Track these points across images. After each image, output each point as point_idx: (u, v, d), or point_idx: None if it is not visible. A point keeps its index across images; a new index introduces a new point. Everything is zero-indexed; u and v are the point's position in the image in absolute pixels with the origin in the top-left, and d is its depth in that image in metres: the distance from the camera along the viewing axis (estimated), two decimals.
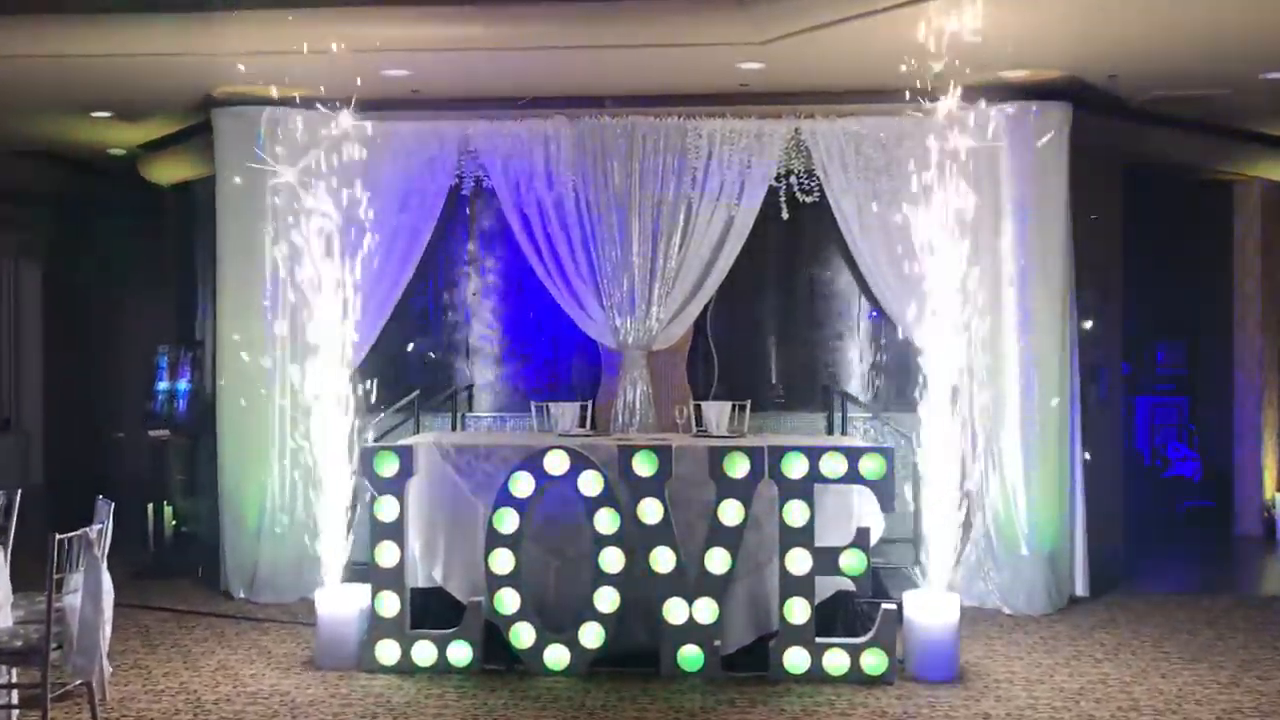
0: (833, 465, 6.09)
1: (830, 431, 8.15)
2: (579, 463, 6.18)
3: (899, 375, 8.22)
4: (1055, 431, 7.63)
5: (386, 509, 6.28)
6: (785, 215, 7.96)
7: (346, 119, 6.92)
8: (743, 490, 6.10)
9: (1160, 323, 10.81)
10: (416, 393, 8.10)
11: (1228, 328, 10.45)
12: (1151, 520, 9.37)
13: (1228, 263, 10.41)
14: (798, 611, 6.07)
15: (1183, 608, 7.62)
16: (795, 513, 6.07)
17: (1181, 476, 11.21)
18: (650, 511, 6.13)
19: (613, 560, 6.14)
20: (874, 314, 8.33)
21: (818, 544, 6.08)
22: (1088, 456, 7.89)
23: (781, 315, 8.55)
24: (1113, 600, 7.79)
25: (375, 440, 7.45)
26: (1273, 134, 9.41)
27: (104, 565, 5.32)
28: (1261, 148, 9.59)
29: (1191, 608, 7.62)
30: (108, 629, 5.40)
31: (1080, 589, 7.79)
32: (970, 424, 7.32)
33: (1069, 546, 7.72)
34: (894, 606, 6.17)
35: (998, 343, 7.60)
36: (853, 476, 6.09)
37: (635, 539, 6.14)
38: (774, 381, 8.52)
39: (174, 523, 9.05)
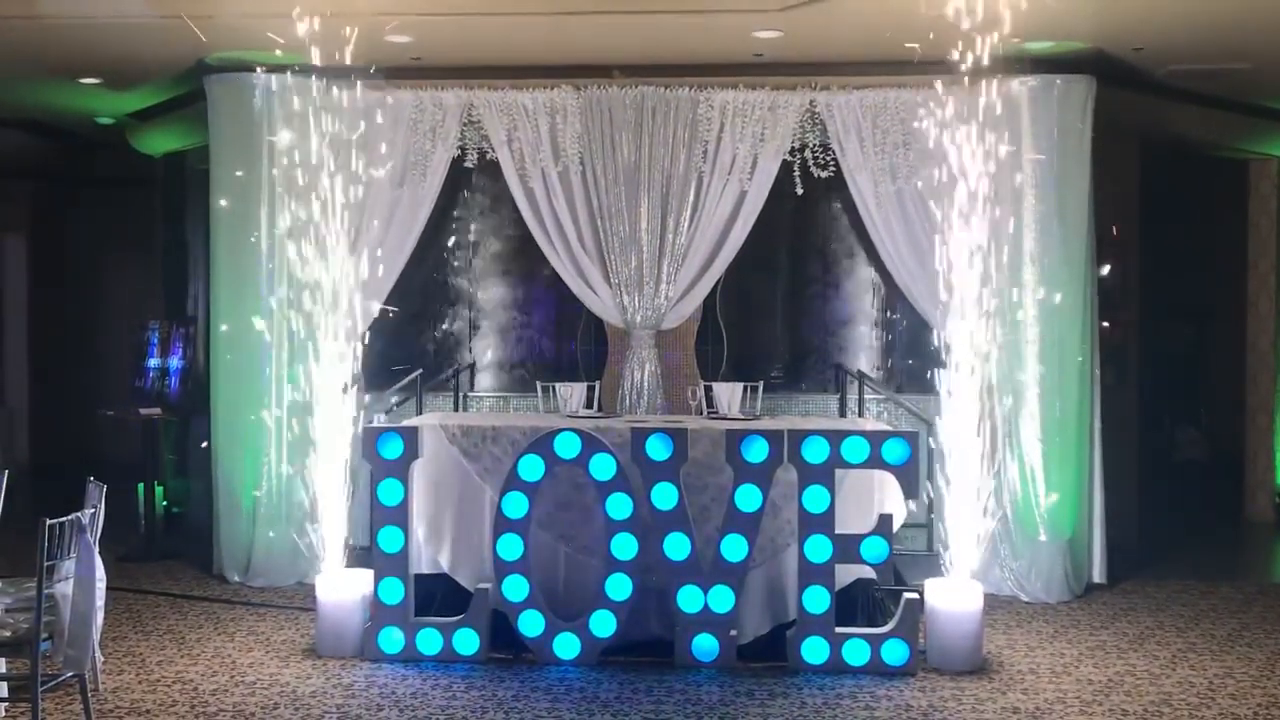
0: (855, 449, 5.88)
1: (843, 413, 7.95)
2: (591, 446, 5.96)
3: (913, 356, 8.03)
4: (1075, 413, 7.44)
5: (390, 492, 6.05)
6: (799, 190, 7.72)
7: (345, 87, 6.65)
8: (761, 475, 5.89)
9: (1173, 302, 10.62)
10: (419, 372, 7.86)
11: (1241, 307, 10.27)
12: (1161, 503, 9.20)
13: (1242, 241, 10.21)
14: (817, 600, 5.87)
15: (1204, 596, 7.45)
16: (815, 498, 5.86)
17: (1191, 459, 11.04)
18: (664, 496, 5.91)
19: (625, 546, 5.93)
20: (868, 289, 8.16)
21: (838, 530, 5.88)
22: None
23: (793, 294, 8.33)
24: (1131, 587, 7.62)
25: (377, 420, 7.22)
26: None
27: (96, 551, 5.08)
28: (1279, 125, 9.40)
29: (1212, 596, 7.45)
30: (100, 617, 5.17)
31: (1098, 576, 7.62)
32: (989, 406, 7.12)
33: (1087, 532, 7.55)
34: (916, 595, 5.98)
35: (1017, 322, 7.39)
36: (876, 461, 5.89)
37: (649, 524, 5.93)
38: (778, 363, 8.32)
39: (165, 504, 8.81)
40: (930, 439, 6.88)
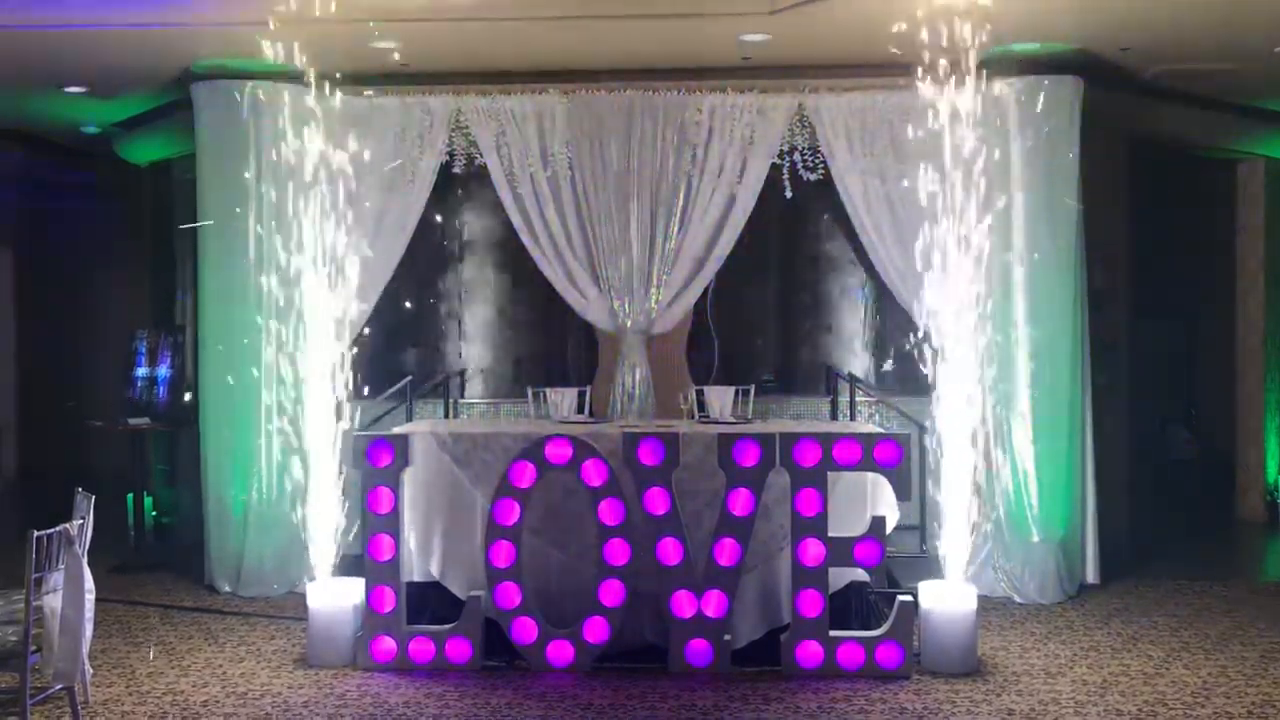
0: (847, 452, 5.86)
1: (835, 416, 7.94)
2: (582, 451, 5.94)
3: (904, 358, 8.02)
4: (1066, 414, 7.43)
5: (381, 500, 6.02)
6: (789, 193, 7.71)
7: (332, 93, 6.62)
8: (753, 479, 5.88)
9: (1162, 301, 10.63)
10: (408, 379, 7.83)
11: (1230, 306, 10.28)
12: (1153, 503, 9.20)
13: (1231, 241, 10.24)
14: (811, 604, 5.85)
15: (1197, 595, 7.45)
16: (808, 502, 5.85)
17: (1182, 458, 11.04)
18: (657, 501, 5.90)
19: (618, 552, 5.91)
20: (858, 292, 8.15)
21: (831, 534, 5.86)
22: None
23: (784, 297, 8.33)
24: (1124, 588, 7.61)
25: (366, 428, 7.19)
26: (1279, 111, 9.25)
27: (85, 562, 5.05)
28: (1267, 125, 9.43)
29: (1205, 595, 7.45)
30: (89, 629, 5.13)
31: (1091, 576, 7.62)
32: (980, 407, 7.11)
33: (1079, 532, 7.54)
34: (910, 598, 5.97)
35: (1007, 323, 7.39)
36: (868, 464, 5.88)
37: (641, 530, 5.91)
38: (769, 366, 8.32)
39: (154, 514, 8.76)
40: (922, 441, 6.87)
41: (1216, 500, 10.22)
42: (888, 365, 8.21)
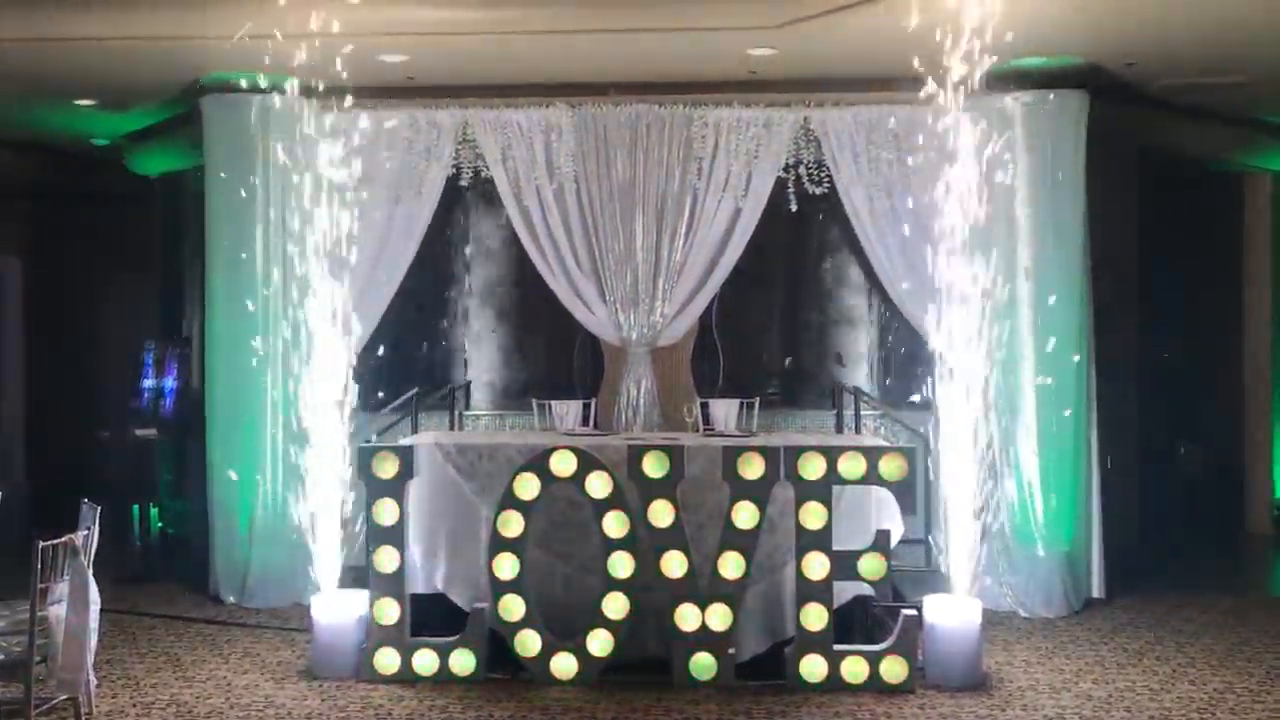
0: (852, 466, 5.86)
1: (840, 429, 7.94)
2: (587, 463, 5.95)
3: (909, 371, 8.02)
4: (1072, 426, 7.42)
5: (385, 512, 6.03)
6: (794, 207, 7.72)
7: (340, 107, 6.66)
8: (757, 492, 5.88)
9: (1169, 315, 10.61)
10: (414, 391, 7.85)
11: (1238, 320, 10.27)
12: (1159, 517, 9.18)
13: (1238, 254, 10.23)
14: (815, 618, 5.85)
15: (1203, 610, 7.42)
16: (812, 515, 5.84)
17: (1189, 472, 10.99)
18: (661, 514, 5.90)
19: (622, 565, 5.91)
20: (863, 305, 8.15)
21: (835, 547, 5.86)
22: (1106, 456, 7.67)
23: (789, 310, 8.33)
24: (1130, 602, 7.59)
25: (372, 439, 7.21)
26: None
27: (90, 573, 5.07)
28: (1274, 139, 9.43)
29: (1212, 610, 7.42)
30: (94, 640, 5.15)
31: (1097, 590, 7.59)
32: (985, 420, 7.10)
33: (1086, 546, 7.53)
34: (914, 612, 5.96)
35: (1013, 337, 7.38)
36: (872, 477, 5.87)
37: (645, 543, 5.91)
38: (774, 379, 8.32)
39: (160, 525, 8.77)
40: (927, 454, 6.87)
41: (1223, 514, 10.18)
42: (893, 378, 8.20)
